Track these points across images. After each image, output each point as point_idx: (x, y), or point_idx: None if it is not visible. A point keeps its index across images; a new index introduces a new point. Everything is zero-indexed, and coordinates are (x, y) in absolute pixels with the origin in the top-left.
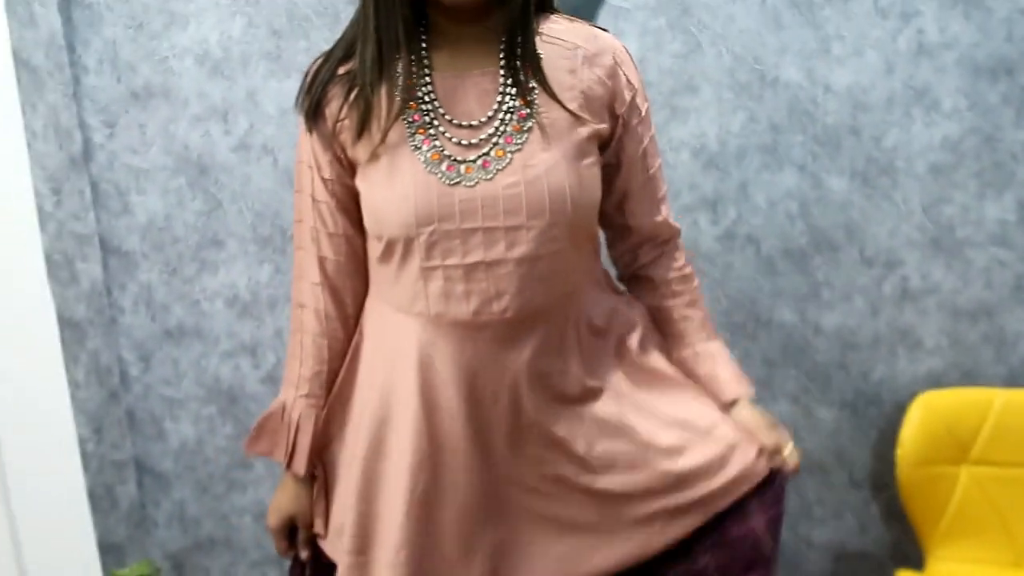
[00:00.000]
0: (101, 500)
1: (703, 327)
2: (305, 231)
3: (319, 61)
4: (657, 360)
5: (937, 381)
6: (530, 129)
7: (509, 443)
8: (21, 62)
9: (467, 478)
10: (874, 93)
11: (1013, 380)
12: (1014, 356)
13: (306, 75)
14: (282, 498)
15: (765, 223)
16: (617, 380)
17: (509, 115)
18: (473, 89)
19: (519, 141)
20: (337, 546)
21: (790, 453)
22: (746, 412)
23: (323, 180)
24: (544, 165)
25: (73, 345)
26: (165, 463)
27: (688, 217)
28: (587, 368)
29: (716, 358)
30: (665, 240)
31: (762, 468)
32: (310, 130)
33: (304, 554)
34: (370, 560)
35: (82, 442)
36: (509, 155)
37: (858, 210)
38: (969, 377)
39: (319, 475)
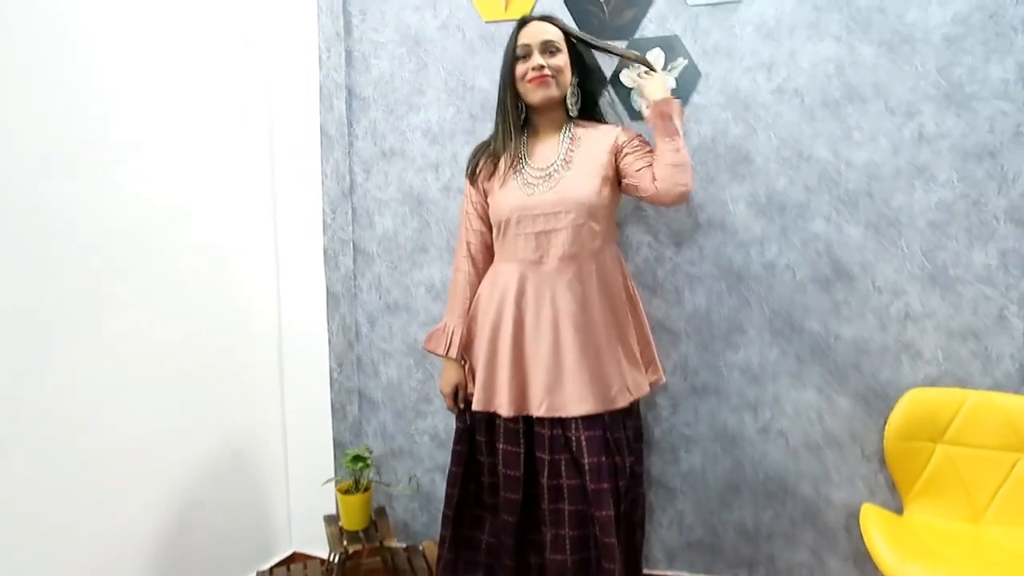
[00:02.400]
0: (337, 412)
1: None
2: (462, 230)
3: (479, 146)
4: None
5: (933, 385)
6: (570, 168)
7: (555, 320)
8: (323, 132)
9: (536, 337)
10: (884, 168)
11: (996, 388)
12: (998, 370)
13: (472, 154)
14: (448, 375)
15: (799, 257)
16: (605, 309)
17: (561, 161)
18: (545, 150)
19: (564, 173)
20: (479, 398)
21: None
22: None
23: (472, 201)
24: (575, 184)
25: (332, 309)
26: (376, 393)
27: (742, 249)
28: (598, 291)
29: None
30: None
31: (648, 389)
32: (469, 180)
33: (462, 406)
34: (494, 393)
35: (330, 372)
36: (559, 180)
37: (870, 251)
38: (960, 384)
39: (467, 360)
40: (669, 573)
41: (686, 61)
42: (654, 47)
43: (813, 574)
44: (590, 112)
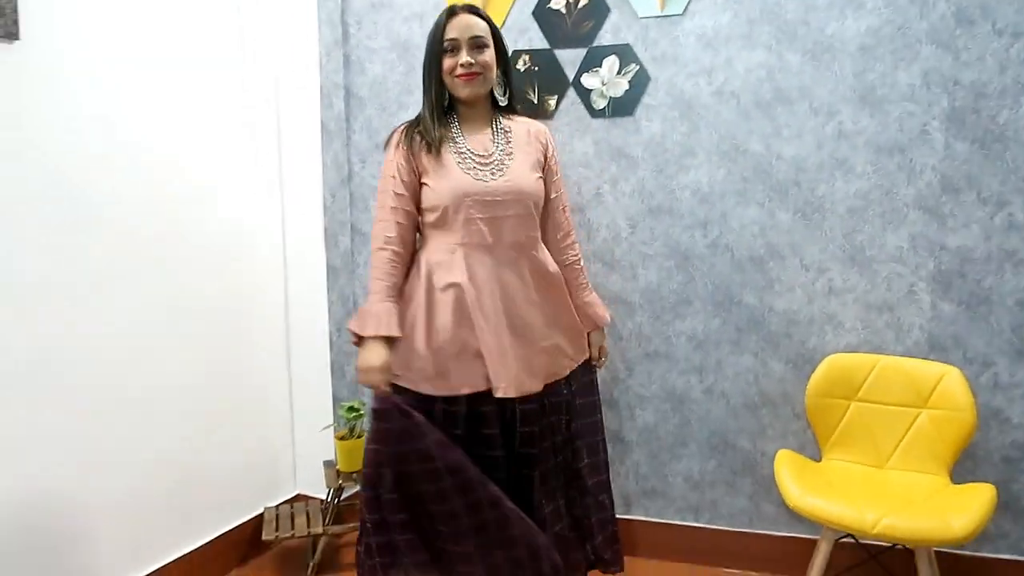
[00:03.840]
0: (336, 370)
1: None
2: (386, 209)
3: (403, 126)
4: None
5: (854, 351)
6: (512, 158)
7: (510, 303)
8: (324, 127)
9: (494, 321)
10: (809, 160)
11: (907, 355)
12: (909, 339)
13: (397, 131)
14: (375, 357)
15: (737, 238)
16: (545, 292)
17: (501, 152)
18: (479, 137)
19: (509, 164)
20: (408, 376)
21: (602, 363)
22: (596, 334)
23: (403, 182)
24: (521, 175)
25: (332, 282)
26: None
27: (688, 232)
28: (540, 276)
29: (596, 303)
30: (566, 235)
31: (587, 357)
32: (406, 154)
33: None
34: (445, 374)
35: (330, 336)
36: (506, 170)
37: (798, 234)
38: (877, 351)
39: (396, 339)
40: (626, 517)
41: (637, 67)
42: (610, 55)
43: (751, 518)
44: (515, 96)
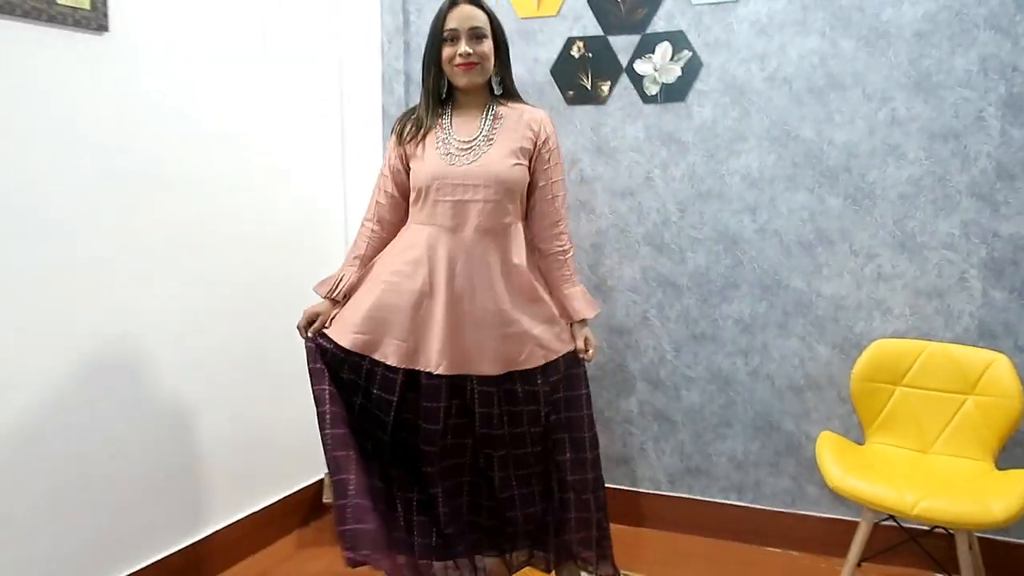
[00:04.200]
0: None
1: (573, 280)
2: (375, 191)
3: (404, 112)
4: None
5: (901, 337)
6: (491, 144)
7: (466, 286)
8: (384, 111)
9: (445, 300)
10: (861, 146)
11: (956, 342)
12: (958, 326)
13: (398, 120)
14: (312, 309)
15: (786, 223)
16: (513, 279)
17: (483, 137)
18: (468, 124)
19: (486, 149)
20: (339, 329)
21: (590, 355)
22: (578, 326)
23: (390, 165)
24: (495, 160)
25: None
26: None
27: (736, 217)
28: (507, 263)
29: (576, 296)
30: (552, 224)
31: (571, 350)
32: (396, 141)
33: (311, 334)
34: (379, 339)
35: None
36: (481, 155)
37: (848, 220)
38: (925, 337)
39: (341, 301)
40: (670, 494)
41: (690, 53)
42: (663, 41)
43: (794, 499)
44: (508, 90)
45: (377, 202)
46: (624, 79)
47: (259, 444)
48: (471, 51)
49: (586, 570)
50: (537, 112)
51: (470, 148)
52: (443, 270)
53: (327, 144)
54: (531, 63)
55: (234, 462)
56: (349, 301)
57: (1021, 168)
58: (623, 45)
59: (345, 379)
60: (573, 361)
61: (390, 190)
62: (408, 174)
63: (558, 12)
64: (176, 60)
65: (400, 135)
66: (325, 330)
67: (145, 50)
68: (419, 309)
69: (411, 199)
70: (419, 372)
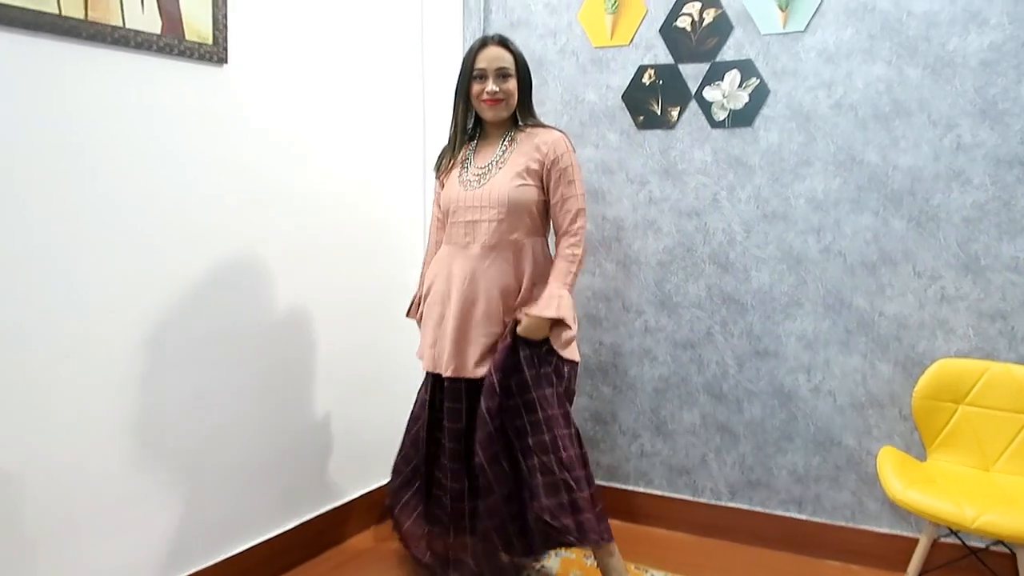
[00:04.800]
0: None
1: (556, 279)
2: (432, 217)
3: (443, 147)
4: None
5: (963, 357)
6: (501, 167)
7: (471, 296)
8: None
9: (456, 310)
10: (926, 171)
11: (1020, 363)
12: (1022, 347)
13: (439, 155)
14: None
15: (850, 244)
16: (514, 291)
17: (496, 161)
18: (488, 150)
19: (495, 173)
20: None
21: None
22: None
23: (437, 193)
24: (501, 183)
25: None
26: None
27: (801, 237)
28: (513, 277)
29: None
30: (564, 233)
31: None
32: (436, 175)
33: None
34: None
35: None
36: (490, 178)
37: (912, 241)
38: (988, 357)
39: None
40: (731, 505)
41: (758, 81)
42: (732, 69)
43: (854, 513)
44: (530, 116)
45: (434, 228)
46: (693, 105)
47: (345, 442)
48: (497, 89)
49: (566, 541)
50: (551, 134)
51: (484, 172)
52: (456, 283)
53: (408, 165)
54: (603, 90)
55: (322, 458)
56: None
57: None
58: (693, 73)
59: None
60: (543, 358)
61: (439, 215)
62: None
63: (631, 42)
64: (282, 87)
65: (437, 169)
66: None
67: (257, 79)
68: (440, 320)
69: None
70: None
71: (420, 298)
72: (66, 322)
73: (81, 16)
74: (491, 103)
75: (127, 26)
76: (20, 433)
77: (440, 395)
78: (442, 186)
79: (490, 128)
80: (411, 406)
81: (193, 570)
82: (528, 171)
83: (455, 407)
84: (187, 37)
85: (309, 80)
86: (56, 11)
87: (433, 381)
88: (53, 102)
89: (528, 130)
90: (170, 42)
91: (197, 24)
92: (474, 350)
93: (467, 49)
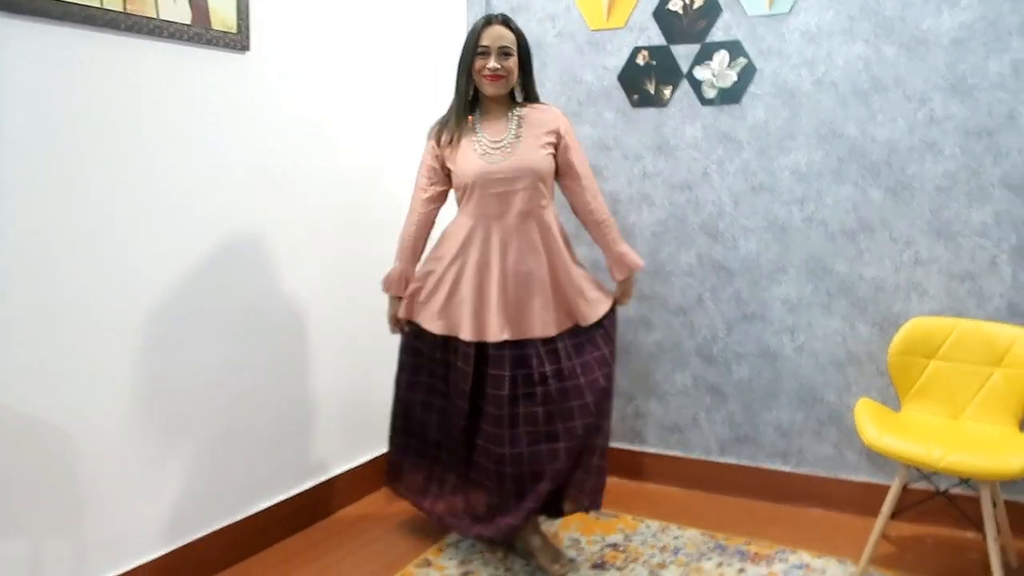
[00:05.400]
0: None
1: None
2: (416, 189)
3: (437, 121)
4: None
5: (935, 316)
6: (520, 140)
7: (505, 262)
8: None
9: (498, 278)
10: (901, 143)
11: (987, 320)
12: (989, 306)
13: (432, 127)
14: (392, 309)
15: (831, 214)
16: (550, 255)
17: (512, 136)
18: (495, 126)
19: (519, 145)
20: (427, 317)
21: (622, 300)
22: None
23: (427, 166)
24: (528, 153)
25: None
26: None
27: (785, 207)
28: (545, 241)
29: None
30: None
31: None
32: (432, 143)
33: (406, 329)
34: (456, 322)
35: None
36: (515, 151)
37: (888, 210)
38: (958, 316)
39: (408, 291)
40: (721, 460)
41: (745, 60)
42: (720, 49)
43: (835, 464)
44: (528, 95)
45: (419, 199)
46: (684, 84)
47: (355, 410)
48: (499, 66)
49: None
50: (553, 110)
51: (501, 147)
52: (496, 253)
53: (421, 143)
54: (600, 70)
55: (345, 419)
56: (426, 292)
57: None
58: (684, 53)
59: (437, 357)
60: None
61: (426, 186)
62: (445, 173)
63: (625, 24)
64: (300, 73)
65: (438, 141)
66: (415, 318)
67: (277, 66)
68: (480, 289)
69: (457, 196)
70: (486, 344)
71: (404, 273)
72: (105, 296)
73: (120, 9)
74: (492, 79)
75: (160, 17)
76: (75, 397)
77: (456, 359)
78: (441, 158)
79: (490, 104)
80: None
81: (216, 527)
82: (548, 143)
83: (500, 374)
84: (213, 26)
85: (325, 66)
86: (98, 4)
87: (445, 345)
88: (97, 87)
89: (530, 106)
90: (199, 31)
91: (223, 14)
92: (542, 311)
93: (471, 27)
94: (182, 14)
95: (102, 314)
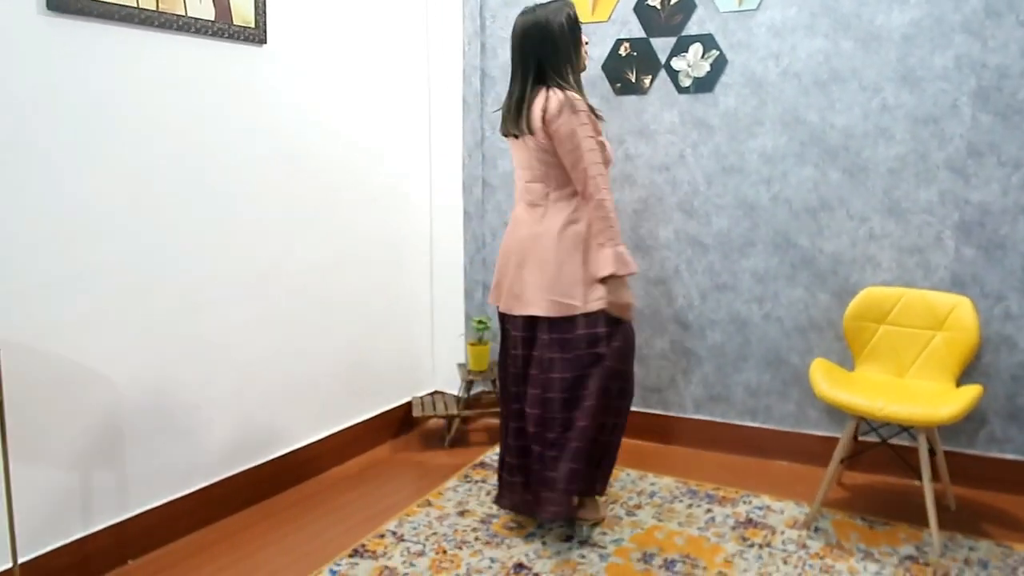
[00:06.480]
0: (469, 294)
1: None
2: (599, 163)
3: (560, 98)
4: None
5: (887, 285)
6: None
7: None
8: (464, 101)
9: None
10: (857, 129)
11: (933, 289)
12: (935, 276)
13: (580, 100)
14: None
15: (794, 193)
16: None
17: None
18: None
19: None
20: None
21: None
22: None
23: (599, 140)
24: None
25: (467, 224)
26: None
27: (754, 187)
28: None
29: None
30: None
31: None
32: (593, 118)
33: None
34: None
35: (464, 267)
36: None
37: (846, 189)
38: (908, 285)
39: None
40: (696, 417)
41: (718, 52)
42: (695, 42)
43: (798, 420)
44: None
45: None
46: (663, 74)
47: (362, 371)
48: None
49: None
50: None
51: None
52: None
53: (416, 129)
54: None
55: (347, 380)
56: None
57: (988, 147)
58: (662, 46)
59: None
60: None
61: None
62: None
63: (608, 18)
64: (313, 64)
65: (597, 116)
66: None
67: (291, 57)
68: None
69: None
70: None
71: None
72: (147, 262)
73: (153, 8)
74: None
75: (188, 14)
76: (119, 349)
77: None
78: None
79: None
80: (419, 342)
81: (247, 466)
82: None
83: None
84: (234, 22)
85: (334, 57)
86: (135, 4)
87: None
88: (136, 77)
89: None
90: (222, 27)
91: (243, 10)
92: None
93: (568, 5)
94: (207, 11)
95: (141, 277)
